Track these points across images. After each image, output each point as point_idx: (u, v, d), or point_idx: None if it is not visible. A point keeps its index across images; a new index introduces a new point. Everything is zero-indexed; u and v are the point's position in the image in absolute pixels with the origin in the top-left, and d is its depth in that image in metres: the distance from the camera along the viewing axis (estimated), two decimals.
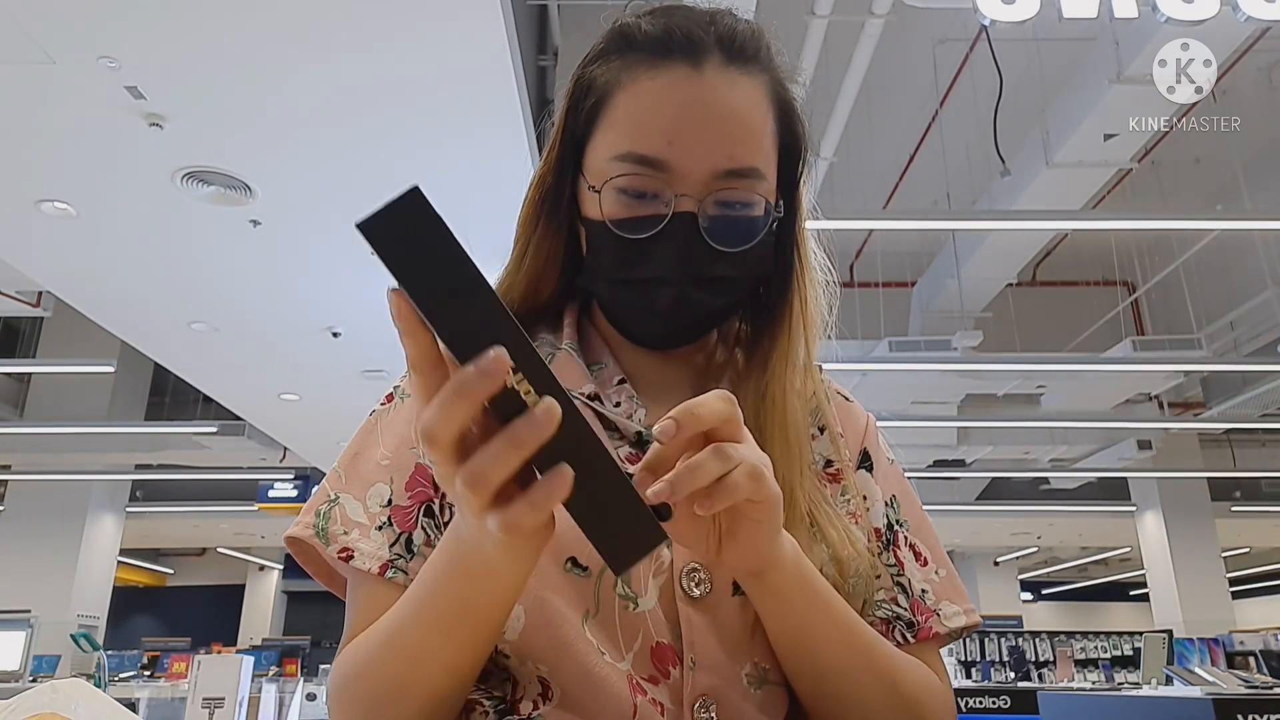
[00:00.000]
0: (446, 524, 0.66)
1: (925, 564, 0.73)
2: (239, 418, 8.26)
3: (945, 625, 0.71)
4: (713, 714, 0.61)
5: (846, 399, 0.81)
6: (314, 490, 0.70)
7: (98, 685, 4.26)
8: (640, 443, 0.68)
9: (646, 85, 0.67)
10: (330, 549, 0.64)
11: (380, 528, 0.65)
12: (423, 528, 0.66)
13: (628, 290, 0.70)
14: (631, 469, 0.49)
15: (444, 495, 0.67)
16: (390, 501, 0.66)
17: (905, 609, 0.71)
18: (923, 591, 0.72)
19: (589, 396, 0.70)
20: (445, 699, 0.59)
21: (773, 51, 0.70)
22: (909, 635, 0.70)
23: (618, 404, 0.70)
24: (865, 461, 0.77)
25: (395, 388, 0.74)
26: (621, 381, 0.72)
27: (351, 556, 0.64)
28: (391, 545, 0.65)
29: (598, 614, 0.61)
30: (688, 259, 0.66)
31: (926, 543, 0.75)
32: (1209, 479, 10.79)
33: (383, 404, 0.74)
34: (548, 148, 0.74)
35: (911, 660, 0.67)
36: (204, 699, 2.38)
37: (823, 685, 0.62)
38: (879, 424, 0.81)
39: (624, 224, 0.67)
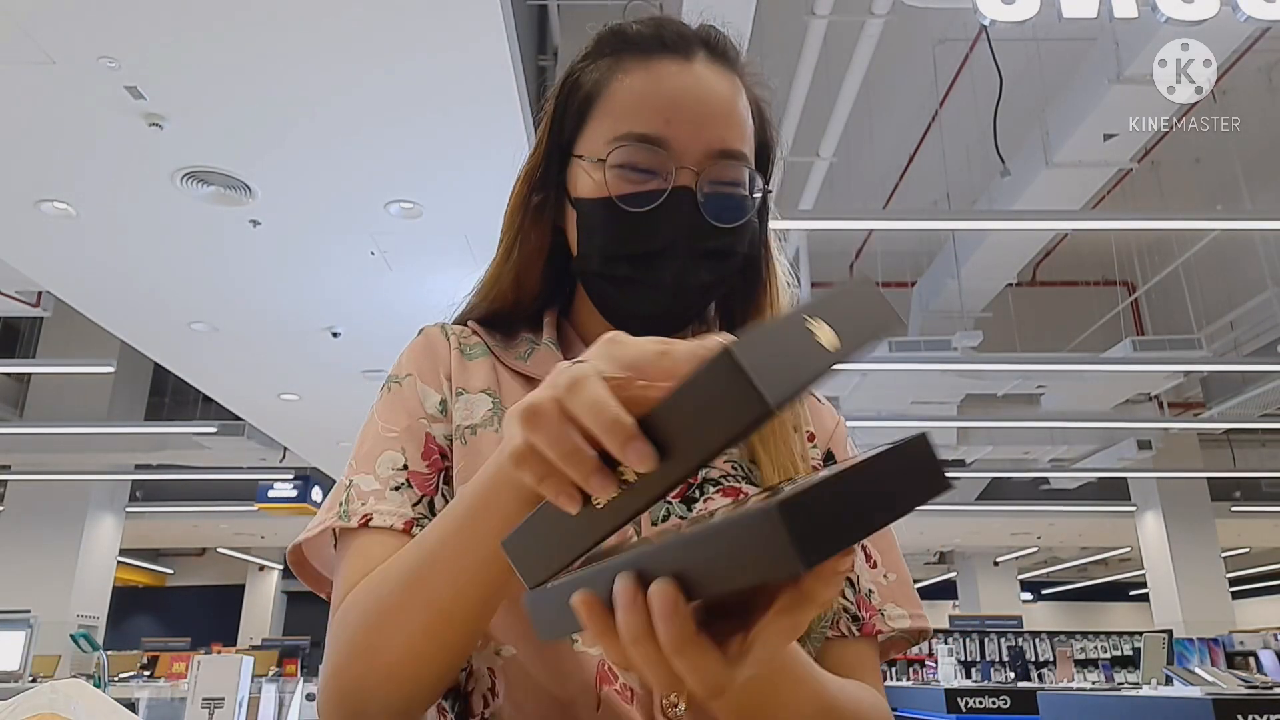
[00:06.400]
0: None
1: (874, 566, 0.74)
2: (239, 418, 8.26)
3: (889, 625, 0.71)
4: (679, 703, 0.61)
5: (819, 400, 0.83)
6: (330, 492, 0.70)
7: (97, 685, 4.27)
8: None
9: (640, 75, 0.71)
10: (351, 522, 0.64)
11: (397, 488, 0.65)
12: (444, 495, 0.66)
13: (627, 266, 0.70)
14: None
15: (451, 467, 0.68)
16: (405, 466, 0.67)
17: (851, 602, 0.71)
18: (869, 591, 0.72)
19: None
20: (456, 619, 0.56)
21: (748, 61, 0.76)
22: (854, 629, 0.71)
23: None
24: (829, 462, 0.78)
25: (389, 377, 0.75)
26: None
27: (370, 519, 0.63)
28: (415, 505, 0.65)
29: None
30: (689, 232, 0.68)
31: (879, 546, 0.75)
32: (1209, 479, 10.78)
33: (379, 399, 0.75)
34: (535, 143, 0.77)
35: (850, 688, 0.63)
36: (204, 699, 2.38)
37: None
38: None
39: (626, 198, 0.69)
